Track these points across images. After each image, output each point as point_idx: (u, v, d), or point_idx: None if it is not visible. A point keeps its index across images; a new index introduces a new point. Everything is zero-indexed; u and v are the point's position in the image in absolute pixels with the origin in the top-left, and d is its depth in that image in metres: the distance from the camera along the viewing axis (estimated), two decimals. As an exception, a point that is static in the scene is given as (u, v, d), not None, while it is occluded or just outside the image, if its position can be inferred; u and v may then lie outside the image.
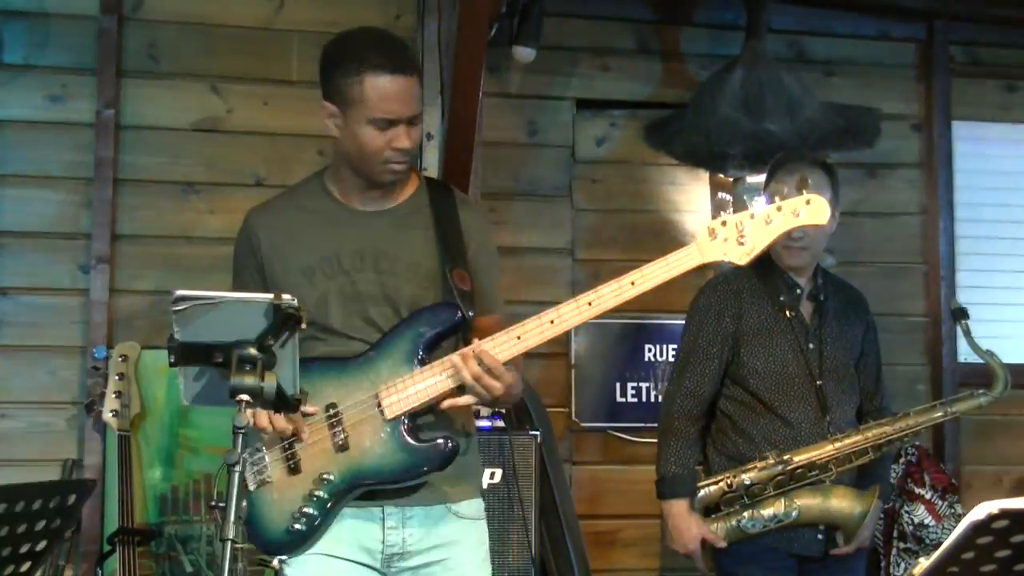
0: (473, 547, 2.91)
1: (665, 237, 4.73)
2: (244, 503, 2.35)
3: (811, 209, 2.76)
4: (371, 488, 2.78)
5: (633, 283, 2.75)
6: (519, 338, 2.73)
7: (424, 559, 2.84)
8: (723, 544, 3.60)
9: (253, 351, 2.36)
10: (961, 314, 3.80)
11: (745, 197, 4.53)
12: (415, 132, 2.82)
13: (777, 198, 2.80)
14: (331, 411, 2.76)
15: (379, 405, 2.75)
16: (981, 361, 3.76)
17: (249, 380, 2.33)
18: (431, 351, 2.79)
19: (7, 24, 4.28)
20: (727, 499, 3.61)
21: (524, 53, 4.40)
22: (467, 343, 2.77)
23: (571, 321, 2.77)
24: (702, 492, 3.64)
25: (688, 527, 3.59)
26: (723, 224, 2.75)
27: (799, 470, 3.57)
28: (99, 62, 4.32)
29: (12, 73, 4.29)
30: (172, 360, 2.44)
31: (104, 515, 4.08)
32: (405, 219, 2.90)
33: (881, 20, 4.94)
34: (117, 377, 4.00)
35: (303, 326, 2.47)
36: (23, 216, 4.27)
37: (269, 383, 2.36)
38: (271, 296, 2.43)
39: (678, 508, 3.61)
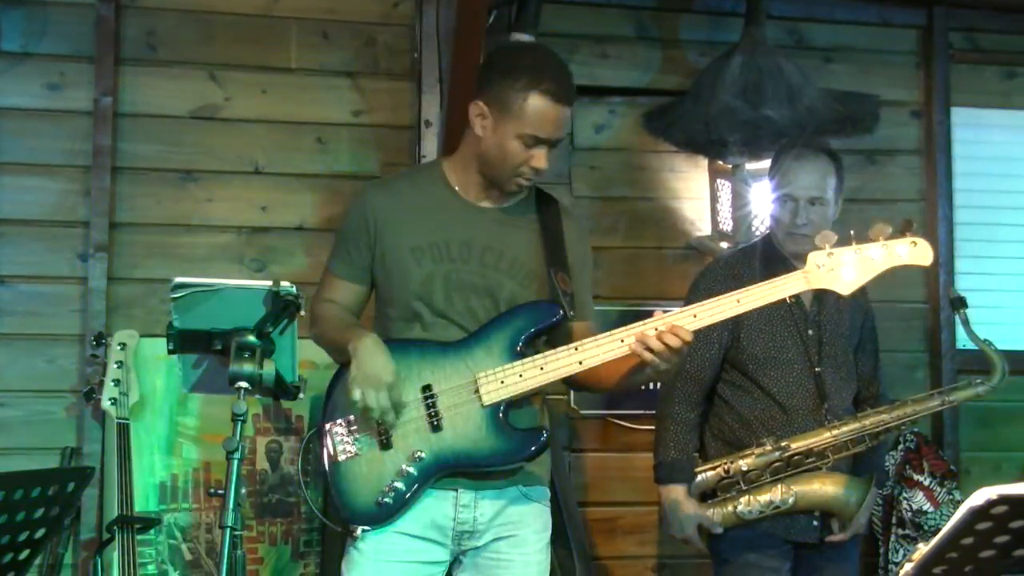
0: (539, 530, 3.01)
1: (664, 224, 4.72)
2: (244, 490, 2.35)
3: (916, 251, 2.94)
4: (462, 470, 2.87)
5: (739, 301, 2.85)
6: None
7: (492, 535, 2.94)
8: (719, 530, 3.62)
9: (252, 338, 2.37)
10: (960, 303, 3.81)
11: (744, 183, 4.53)
12: (552, 154, 2.95)
13: (882, 237, 2.91)
14: (426, 392, 2.86)
15: (477, 391, 2.85)
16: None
17: (248, 367, 2.36)
18: (528, 345, 2.90)
19: (5, 12, 4.26)
20: (724, 485, 3.63)
21: (522, 40, 4.38)
22: (553, 346, 2.89)
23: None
24: (699, 478, 3.65)
25: (685, 512, 3.61)
26: (829, 255, 2.89)
27: (796, 457, 3.58)
28: (97, 50, 4.30)
29: (10, 61, 4.27)
30: (171, 348, 2.47)
31: (103, 503, 4.08)
32: (513, 219, 3.03)
33: (881, 6, 4.92)
34: (116, 365, 3.98)
35: (301, 313, 2.48)
36: (21, 204, 4.26)
37: (268, 370, 2.38)
38: (270, 283, 2.45)
39: (676, 493, 3.62)
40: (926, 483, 4.44)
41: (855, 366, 3.77)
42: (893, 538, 4.42)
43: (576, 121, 4.70)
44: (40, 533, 2.54)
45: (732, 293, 2.85)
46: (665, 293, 4.61)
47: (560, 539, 4.11)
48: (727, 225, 4.60)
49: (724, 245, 4.54)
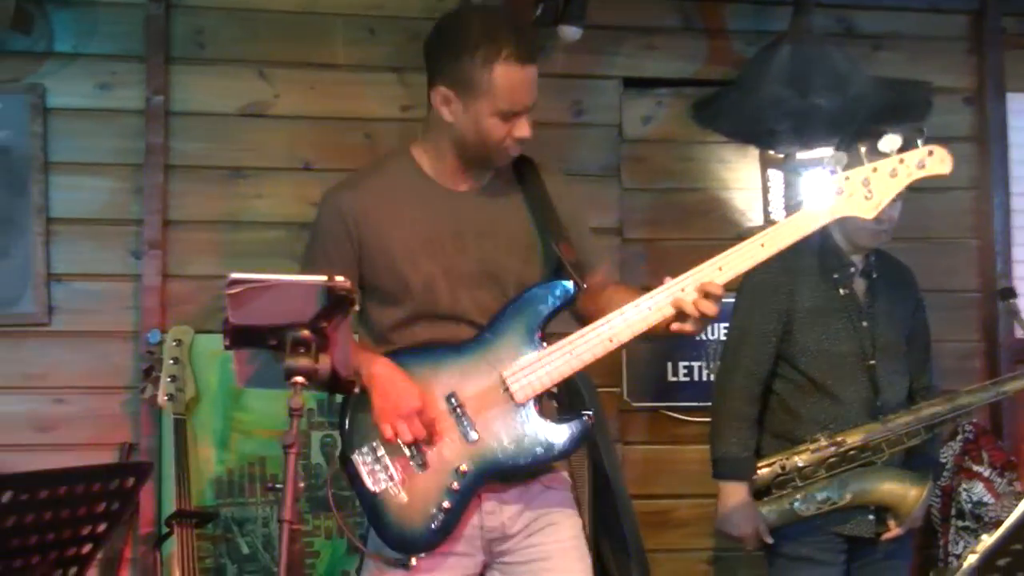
0: (570, 515, 2.89)
1: (715, 216, 4.70)
2: (302, 484, 2.34)
3: (935, 159, 2.75)
4: (506, 475, 2.74)
5: (763, 244, 2.69)
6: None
7: (527, 532, 2.82)
8: (770, 540, 3.60)
9: (307, 333, 2.37)
10: (1008, 294, 3.78)
11: (795, 173, 4.50)
12: (531, 118, 2.79)
13: (892, 151, 2.76)
14: (452, 401, 2.72)
15: (507, 389, 2.71)
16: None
17: (303, 362, 2.35)
18: (546, 328, 2.75)
19: (56, 13, 4.31)
20: (779, 482, 3.60)
21: (570, 32, 4.37)
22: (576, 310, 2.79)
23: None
24: (754, 475, 3.63)
25: (747, 511, 3.59)
26: (847, 179, 2.73)
27: (851, 452, 3.56)
28: (147, 49, 4.34)
29: (62, 62, 4.31)
30: (227, 343, 2.46)
31: (161, 498, 4.12)
32: (497, 197, 2.88)
33: (931, -8, 4.88)
34: (171, 361, 4.04)
35: (356, 308, 2.47)
36: (75, 203, 4.30)
37: (323, 364, 2.37)
38: (324, 278, 2.43)
39: (737, 490, 3.60)
40: (985, 474, 4.39)
41: (907, 357, 3.73)
42: (952, 530, 4.37)
43: (624, 113, 4.69)
44: (101, 528, 2.57)
45: (756, 237, 2.69)
46: (716, 284, 4.59)
47: (613, 532, 4.11)
48: (778, 215, 4.57)
49: (775, 235, 4.51)
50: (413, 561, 2.69)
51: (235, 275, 2.43)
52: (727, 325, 3.85)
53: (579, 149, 4.64)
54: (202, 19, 4.43)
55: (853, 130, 3.83)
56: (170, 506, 3.97)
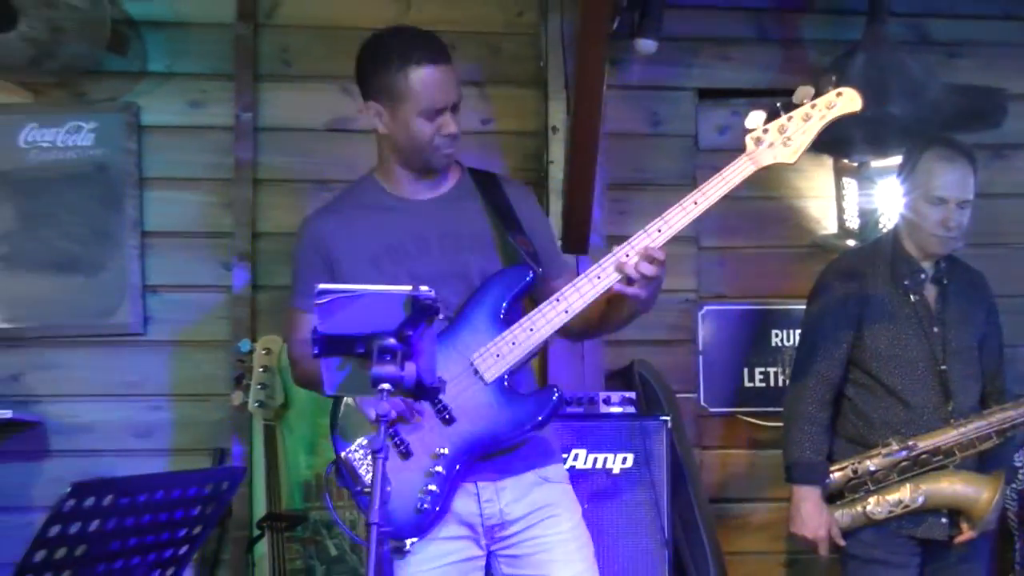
0: (569, 508, 3.01)
1: (790, 224, 4.73)
2: (389, 488, 2.43)
3: (844, 100, 2.91)
4: (489, 453, 2.88)
5: (696, 203, 2.88)
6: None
7: (525, 523, 2.93)
8: (842, 543, 3.63)
9: (393, 341, 2.45)
10: None
11: (870, 181, 4.51)
12: (458, 117, 3.00)
13: (807, 99, 2.90)
14: None
15: (476, 372, 2.87)
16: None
17: (389, 369, 2.42)
18: (511, 313, 2.92)
19: (150, 35, 4.46)
20: (852, 485, 3.63)
21: (646, 45, 4.40)
22: (536, 303, 2.92)
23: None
24: (827, 479, 3.66)
25: (820, 514, 3.62)
26: (765, 131, 2.90)
27: (923, 456, 3.57)
28: (236, 67, 4.47)
29: (155, 81, 4.46)
30: (316, 351, 2.54)
31: (252, 502, 4.20)
32: (457, 201, 3.06)
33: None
34: (261, 369, 4.13)
35: (440, 316, 2.56)
36: (168, 217, 4.44)
37: (409, 372, 2.45)
38: (409, 288, 2.51)
39: (811, 494, 3.63)
40: (1062, 479, 4.36)
41: (980, 362, 3.74)
42: (1030, 535, 4.35)
43: (700, 123, 4.74)
44: (196, 530, 2.67)
45: (689, 196, 2.86)
46: (790, 292, 4.62)
47: (691, 535, 4.15)
48: (853, 223, 4.59)
49: (850, 243, 4.53)
50: (408, 545, 2.83)
51: (323, 285, 2.51)
52: (800, 331, 3.89)
53: (655, 159, 4.68)
54: (288, 38, 4.55)
55: (940, 139, 3.82)
56: (261, 509, 4.08)
